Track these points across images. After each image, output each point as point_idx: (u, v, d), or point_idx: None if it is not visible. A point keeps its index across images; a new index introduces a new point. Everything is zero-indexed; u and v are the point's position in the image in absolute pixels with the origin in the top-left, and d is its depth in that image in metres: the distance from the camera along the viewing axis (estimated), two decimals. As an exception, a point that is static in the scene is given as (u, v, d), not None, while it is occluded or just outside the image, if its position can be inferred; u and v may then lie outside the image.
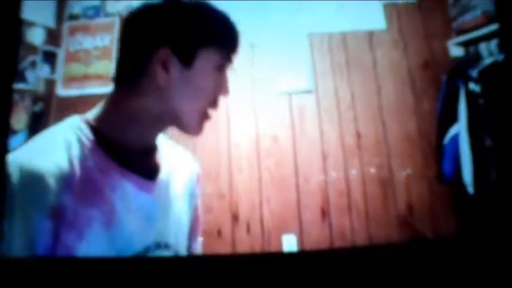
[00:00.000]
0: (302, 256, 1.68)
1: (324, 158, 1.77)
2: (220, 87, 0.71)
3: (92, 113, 0.69)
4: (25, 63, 1.81)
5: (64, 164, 0.62)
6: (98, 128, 0.66)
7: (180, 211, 0.79)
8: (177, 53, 0.66)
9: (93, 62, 1.85)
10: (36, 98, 1.85)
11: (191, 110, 0.69)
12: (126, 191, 0.67)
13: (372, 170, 1.76)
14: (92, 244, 0.63)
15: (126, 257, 0.68)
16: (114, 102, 0.69)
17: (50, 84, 1.90)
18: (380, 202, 1.73)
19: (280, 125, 1.81)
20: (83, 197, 0.62)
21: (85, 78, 1.85)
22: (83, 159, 0.64)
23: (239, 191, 1.75)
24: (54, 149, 0.63)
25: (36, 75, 1.84)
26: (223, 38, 0.70)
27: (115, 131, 0.67)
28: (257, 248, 1.68)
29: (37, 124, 1.82)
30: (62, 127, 0.67)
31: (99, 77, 1.82)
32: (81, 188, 0.62)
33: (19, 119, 1.80)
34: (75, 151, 0.64)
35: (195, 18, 0.68)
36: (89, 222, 0.62)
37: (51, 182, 0.60)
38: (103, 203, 0.64)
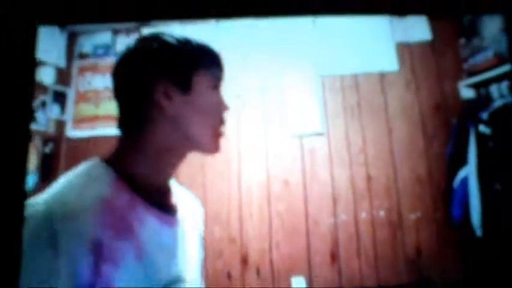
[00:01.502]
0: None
1: (335, 201, 1.78)
2: (220, 104, 0.76)
3: (110, 154, 0.72)
4: (35, 103, 1.81)
5: (95, 201, 0.65)
6: (120, 167, 0.70)
7: (192, 249, 0.83)
8: (174, 82, 0.71)
9: (103, 103, 1.84)
10: (46, 139, 1.84)
11: (203, 131, 0.74)
12: (152, 225, 0.71)
13: (382, 213, 1.77)
14: (126, 275, 0.66)
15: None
16: (128, 142, 0.72)
17: (60, 125, 1.89)
18: (389, 245, 1.74)
19: (291, 168, 1.82)
20: (115, 231, 0.66)
21: (95, 119, 1.84)
22: (111, 196, 0.67)
23: (249, 236, 1.76)
24: (84, 187, 0.66)
25: (46, 116, 1.84)
26: (209, 59, 0.75)
27: (136, 168, 0.71)
28: (267, 292, 1.70)
29: (47, 165, 1.82)
30: (86, 168, 0.71)
31: (109, 118, 1.82)
32: (113, 223, 0.66)
33: (29, 160, 1.80)
34: (103, 189, 0.67)
35: (180, 47, 0.73)
36: (122, 255, 0.66)
37: (89, 217, 0.63)
38: (133, 236, 0.68)
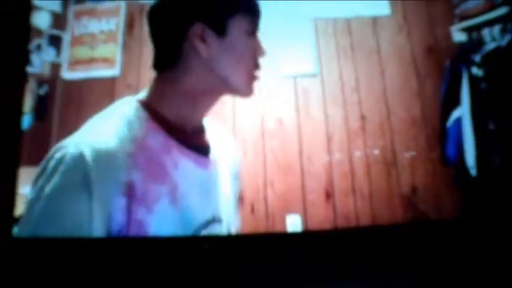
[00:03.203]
0: (306, 236, 1.68)
1: (329, 140, 1.78)
2: (256, 49, 0.78)
3: (144, 95, 0.72)
4: (31, 46, 1.82)
5: (129, 143, 0.64)
6: (154, 108, 0.70)
7: (227, 189, 0.82)
8: (210, 25, 0.73)
9: (98, 46, 1.85)
10: (41, 81, 1.85)
11: (237, 74, 0.76)
12: (186, 168, 0.71)
13: (376, 152, 1.77)
14: (160, 218, 0.65)
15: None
16: (163, 83, 0.73)
17: (55, 67, 1.91)
18: (384, 183, 1.74)
19: (285, 108, 1.82)
20: (149, 174, 0.65)
21: (90, 61, 1.85)
22: (144, 138, 0.67)
23: (243, 173, 1.75)
24: (116, 128, 0.65)
25: (41, 59, 1.85)
26: (247, 5, 0.78)
27: (170, 110, 0.72)
28: (261, 229, 1.69)
29: (42, 107, 1.83)
30: (119, 108, 0.70)
31: (104, 60, 1.83)
32: (147, 165, 0.65)
33: (24, 102, 1.80)
34: (137, 131, 0.67)
35: None
36: (157, 197, 0.65)
37: (122, 159, 0.63)
38: (167, 179, 0.68)
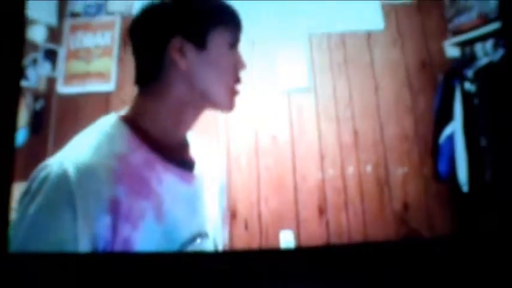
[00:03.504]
0: (299, 252, 1.70)
1: (322, 156, 1.80)
2: (237, 63, 0.76)
3: (127, 111, 0.72)
4: (26, 61, 1.83)
5: (112, 160, 0.65)
6: (137, 124, 0.70)
7: (212, 204, 0.82)
8: (189, 39, 0.72)
9: (93, 60, 1.86)
10: (37, 96, 1.86)
11: (217, 88, 0.74)
12: (171, 183, 0.71)
13: (369, 168, 1.78)
14: (146, 234, 0.66)
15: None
16: (145, 98, 0.73)
17: (51, 82, 1.92)
18: (376, 200, 1.75)
19: (279, 124, 1.84)
20: (133, 190, 0.65)
21: (86, 75, 1.86)
22: (128, 155, 0.67)
23: (238, 189, 1.77)
24: (100, 145, 0.66)
25: (37, 73, 1.86)
26: (227, 16, 0.75)
27: (153, 125, 0.72)
28: (255, 244, 1.71)
29: (38, 122, 1.84)
30: (102, 125, 0.70)
31: (99, 75, 1.84)
32: (131, 181, 0.65)
33: (20, 117, 1.81)
34: (120, 147, 0.67)
35: (198, 3, 0.73)
36: (142, 213, 0.66)
37: (106, 176, 0.63)
38: (152, 195, 0.68)
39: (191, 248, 0.73)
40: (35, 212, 0.60)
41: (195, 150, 0.81)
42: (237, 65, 0.76)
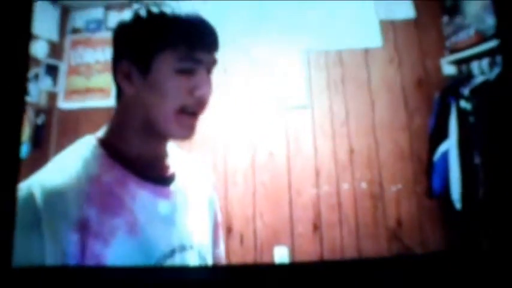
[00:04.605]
0: (293, 268, 1.73)
1: (317, 173, 1.82)
2: (190, 87, 0.71)
3: (103, 131, 0.75)
4: (28, 76, 1.87)
5: (83, 180, 0.67)
6: (111, 143, 0.72)
7: (200, 216, 0.84)
8: (135, 63, 0.70)
9: (94, 75, 1.89)
10: (38, 111, 1.90)
11: (162, 114, 0.71)
12: (144, 199, 0.72)
13: (363, 185, 1.81)
14: (118, 250, 0.68)
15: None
16: (117, 117, 0.75)
17: (52, 97, 1.95)
18: (370, 216, 1.78)
19: (276, 140, 1.86)
20: (104, 209, 0.67)
21: (86, 91, 1.89)
22: (100, 175, 0.69)
23: (234, 204, 1.81)
24: (72, 167, 0.68)
25: (38, 88, 1.89)
26: (179, 39, 0.70)
27: (123, 143, 0.73)
28: (249, 259, 1.74)
29: (39, 136, 1.88)
30: (78, 147, 0.73)
31: (100, 90, 1.87)
32: (101, 200, 0.68)
33: (23, 132, 1.85)
34: (93, 168, 0.69)
35: (147, 27, 0.71)
36: (112, 231, 0.68)
37: (73, 197, 0.65)
38: (124, 212, 0.70)
39: (170, 262, 0.73)
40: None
41: (178, 165, 0.82)
42: (187, 90, 0.71)
